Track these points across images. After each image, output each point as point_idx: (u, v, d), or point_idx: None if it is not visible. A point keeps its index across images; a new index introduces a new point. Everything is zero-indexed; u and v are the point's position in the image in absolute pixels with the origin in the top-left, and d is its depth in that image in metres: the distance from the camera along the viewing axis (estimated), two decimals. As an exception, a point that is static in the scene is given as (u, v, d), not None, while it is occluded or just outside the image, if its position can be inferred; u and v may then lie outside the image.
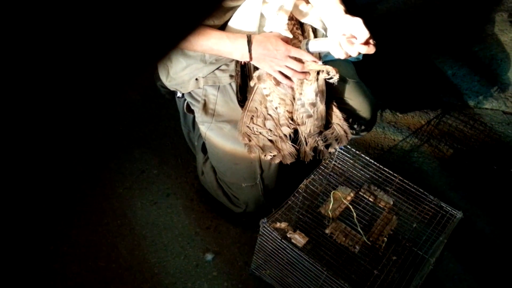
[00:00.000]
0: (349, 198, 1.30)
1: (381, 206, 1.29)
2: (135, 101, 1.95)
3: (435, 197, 1.27)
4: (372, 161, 1.35)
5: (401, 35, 2.35)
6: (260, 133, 1.28)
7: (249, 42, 1.24)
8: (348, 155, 1.38)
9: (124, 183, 1.61)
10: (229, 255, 1.44)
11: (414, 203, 1.28)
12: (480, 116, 2.08)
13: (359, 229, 1.20)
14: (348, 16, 1.17)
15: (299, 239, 1.16)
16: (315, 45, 1.25)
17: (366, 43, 1.13)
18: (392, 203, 1.31)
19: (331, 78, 1.23)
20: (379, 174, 1.34)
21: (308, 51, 1.26)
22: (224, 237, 1.49)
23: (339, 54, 1.17)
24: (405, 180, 1.30)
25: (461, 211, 1.24)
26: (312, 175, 1.32)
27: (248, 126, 1.28)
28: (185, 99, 1.50)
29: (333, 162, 1.39)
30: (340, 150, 1.38)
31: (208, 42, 1.23)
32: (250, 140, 1.28)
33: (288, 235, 1.17)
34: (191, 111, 1.50)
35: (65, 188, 1.57)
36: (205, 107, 1.40)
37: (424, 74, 2.26)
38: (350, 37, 1.14)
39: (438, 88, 2.20)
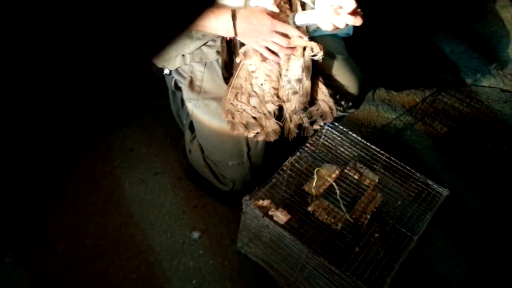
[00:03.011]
0: (333, 175, 1.28)
1: (366, 184, 1.28)
2: (124, 79, 1.93)
3: (421, 175, 1.25)
4: (359, 138, 1.33)
5: (398, 11, 2.30)
6: (244, 110, 1.26)
7: (234, 17, 1.21)
8: (336, 133, 1.36)
9: (113, 162, 1.60)
10: (216, 233, 1.44)
11: (400, 180, 1.26)
12: (477, 94, 2.04)
13: (342, 207, 1.19)
14: None
15: (281, 216, 1.15)
16: (302, 18, 1.22)
17: (354, 13, 1.09)
18: (377, 180, 1.29)
19: (315, 55, 1.21)
20: (366, 152, 1.32)
21: (295, 25, 1.22)
22: (211, 215, 1.48)
23: (327, 26, 1.14)
24: (391, 158, 1.29)
25: (448, 188, 1.22)
26: (297, 153, 1.30)
27: (232, 103, 1.26)
28: (173, 77, 1.48)
29: (321, 139, 1.37)
30: (328, 127, 1.36)
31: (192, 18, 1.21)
32: (233, 118, 1.26)
33: (270, 213, 1.16)
34: (179, 88, 1.49)
35: (53, 165, 1.57)
36: (191, 84, 1.38)
37: (422, 51, 2.21)
38: (338, 8, 1.11)
39: (435, 65, 2.16)
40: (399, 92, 2.00)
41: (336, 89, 1.34)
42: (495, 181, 1.67)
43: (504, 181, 1.67)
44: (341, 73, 1.37)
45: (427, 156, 1.75)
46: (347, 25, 1.12)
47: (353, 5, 1.07)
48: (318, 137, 1.36)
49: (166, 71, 1.48)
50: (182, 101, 1.61)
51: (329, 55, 1.36)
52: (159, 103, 1.85)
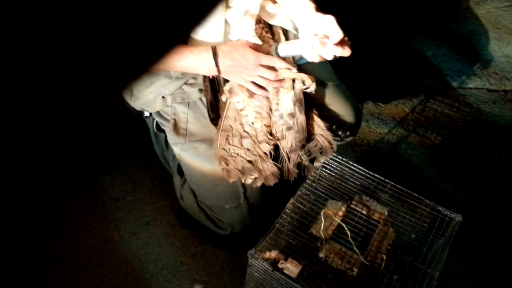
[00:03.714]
0: (340, 213, 1.20)
1: (376, 219, 1.20)
2: (100, 119, 1.81)
3: (431, 201, 1.19)
4: (361, 167, 1.26)
5: (375, 19, 2.25)
6: (238, 154, 1.17)
7: (215, 55, 1.12)
8: (335, 163, 1.29)
9: (98, 216, 1.49)
10: (219, 283, 1.34)
11: (410, 210, 1.20)
12: (465, 97, 2.00)
13: (355, 249, 1.12)
14: (319, 14, 1.06)
15: (292, 268, 1.06)
16: (286, 49, 1.13)
17: (341, 44, 1.02)
18: (386, 213, 1.22)
19: (307, 87, 1.13)
20: (370, 181, 1.25)
21: (279, 56, 1.15)
22: (212, 263, 1.39)
23: (313, 58, 1.07)
24: (397, 186, 1.22)
25: (460, 214, 1.16)
26: (298, 192, 1.22)
27: (224, 148, 1.17)
28: (154, 118, 1.39)
29: (319, 172, 1.29)
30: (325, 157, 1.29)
31: (170, 59, 1.11)
32: (227, 164, 1.17)
33: (280, 266, 1.07)
34: (161, 130, 1.39)
35: (32, 228, 1.44)
36: (176, 127, 1.28)
37: (403, 57, 2.17)
38: (323, 37, 1.04)
39: (419, 71, 2.12)
40: (387, 104, 1.94)
41: (331, 120, 1.27)
42: (498, 191, 1.63)
43: (507, 190, 1.63)
44: (335, 102, 1.29)
45: (425, 169, 1.70)
46: (335, 56, 1.05)
47: (340, 35, 1.00)
48: (316, 171, 1.28)
49: (146, 114, 1.38)
50: (166, 141, 1.51)
51: (319, 84, 1.28)
52: (140, 143, 1.74)
